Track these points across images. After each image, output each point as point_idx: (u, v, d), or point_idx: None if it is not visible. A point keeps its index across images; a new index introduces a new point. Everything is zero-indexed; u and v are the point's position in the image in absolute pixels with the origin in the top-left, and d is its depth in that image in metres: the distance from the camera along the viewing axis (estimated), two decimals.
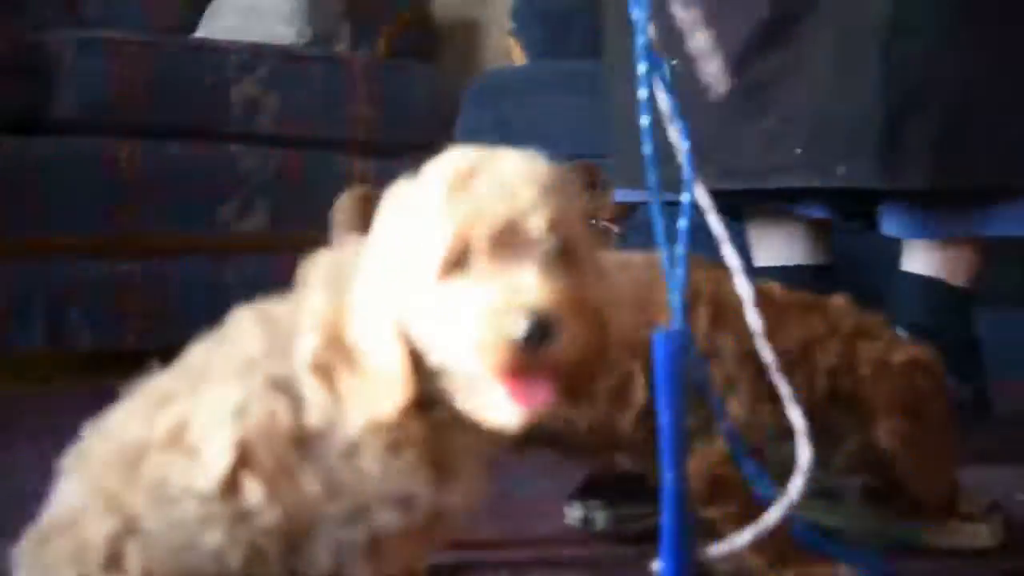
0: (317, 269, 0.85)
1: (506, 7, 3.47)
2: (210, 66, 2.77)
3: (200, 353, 0.86)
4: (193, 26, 3.34)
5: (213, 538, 0.80)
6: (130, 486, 0.82)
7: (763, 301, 1.20)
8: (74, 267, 2.56)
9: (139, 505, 0.81)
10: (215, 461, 0.79)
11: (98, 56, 2.59)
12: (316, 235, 1.15)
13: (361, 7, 3.53)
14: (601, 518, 1.43)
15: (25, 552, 0.86)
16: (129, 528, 0.82)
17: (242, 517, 0.80)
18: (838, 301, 1.33)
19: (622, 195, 2.07)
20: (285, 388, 0.80)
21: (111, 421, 0.86)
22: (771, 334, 1.17)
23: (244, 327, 0.85)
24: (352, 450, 0.81)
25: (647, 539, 1.33)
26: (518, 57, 3.37)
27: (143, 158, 2.66)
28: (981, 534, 1.40)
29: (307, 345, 0.79)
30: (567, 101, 2.93)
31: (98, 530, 0.82)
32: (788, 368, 1.18)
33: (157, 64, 2.73)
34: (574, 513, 1.45)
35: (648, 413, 1.21)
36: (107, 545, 0.82)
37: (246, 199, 2.82)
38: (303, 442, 0.81)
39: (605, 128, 1.94)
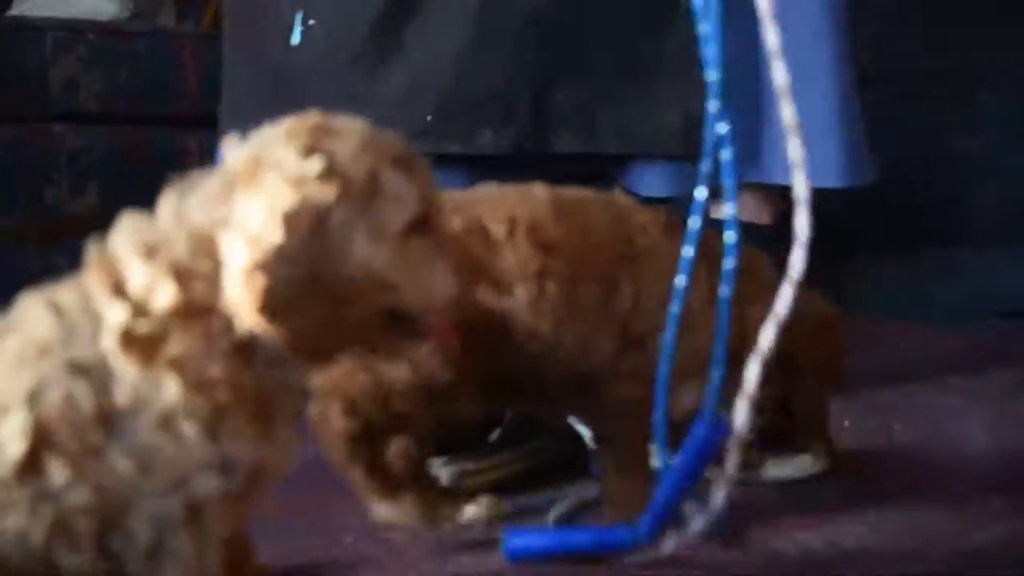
0: (127, 237, 0.86)
1: None
2: (28, 48, 2.74)
3: None
4: (7, 4, 3.29)
5: (14, 521, 0.80)
6: None
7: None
8: None
9: None
10: (10, 446, 0.79)
11: None
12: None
13: None
14: (444, 474, 1.45)
15: None
16: None
17: (45, 497, 0.80)
18: (760, 257, 1.39)
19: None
20: (84, 371, 0.80)
21: None
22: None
23: (32, 314, 0.84)
24: (169, 419, 0.81)
25: (489, 491, 1.40)
26: None
27: None
28: (811, 462, 1.46)
29: (116, 319, 0.80)
30: None
31: None
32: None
33: None
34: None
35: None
36: None
37: (75, 181, 2.80)
38: (110, 421, 0.80)
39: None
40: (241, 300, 0.80)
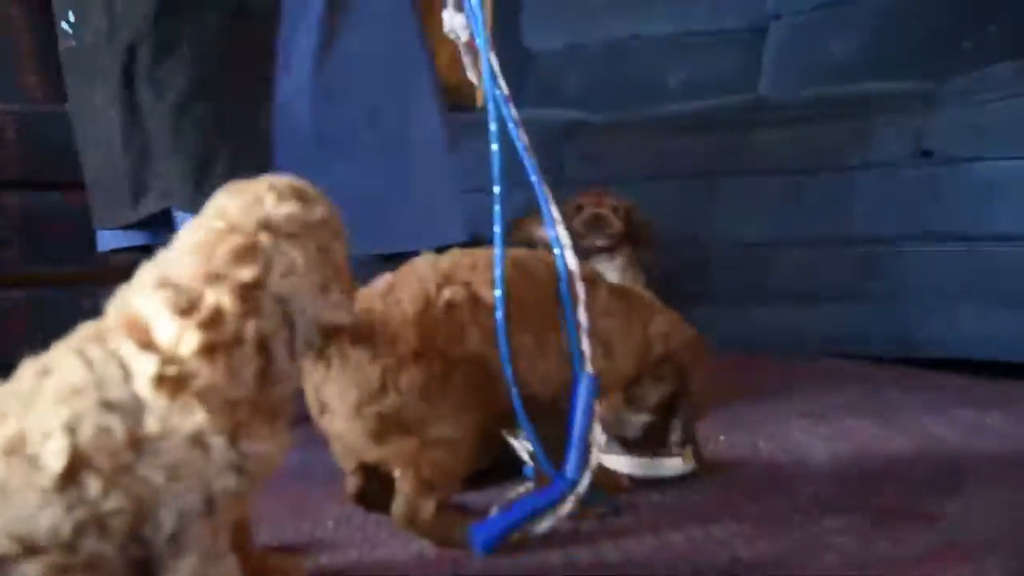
0: (151, 294, 0.92)
1: None
2: None
3: (28, 380, 0.90)
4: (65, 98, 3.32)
5: (48, 518, 0.85)
6: None
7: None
8: None
9: None
10: (51, 464, 0.84)
11: None
12: None
13: None
14: None
15: None
16: None
17: (81, 503, 0.85)
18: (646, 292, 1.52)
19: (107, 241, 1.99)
20: (116, 407, 0.86)
21: None
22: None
23: (66, 362, 0.90)
24: (198, 438, 0.87)
25: None
26: None
27: (20, 211, 2.65)
28: (681, 464, 1.50)
29: (148, 370, 0.86)
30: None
31: None
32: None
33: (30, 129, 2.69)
34: None
35: None
36: None
37: None
38: (141, 445, 0.86)
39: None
40: None
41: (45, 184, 2.57)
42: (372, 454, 1.23)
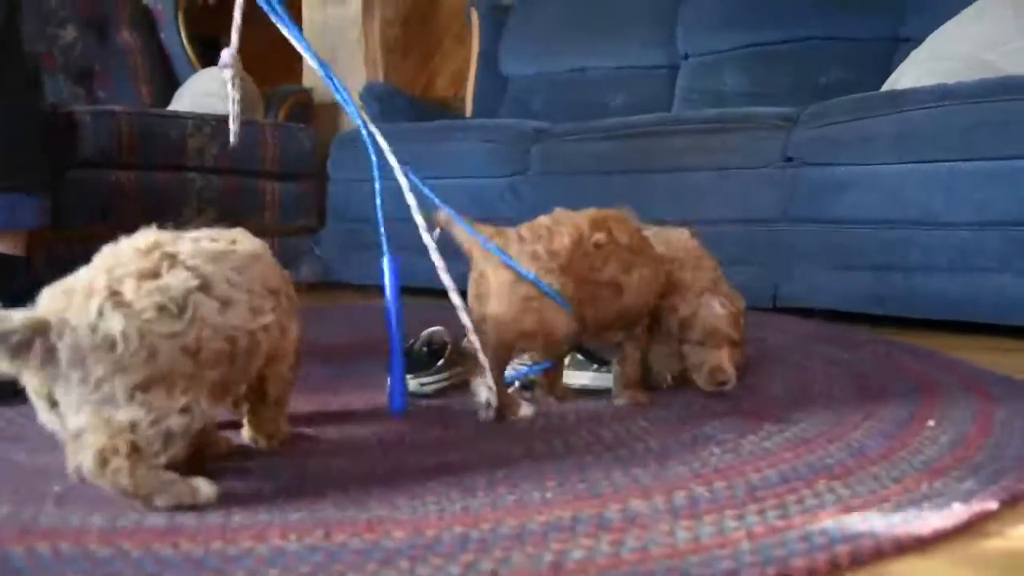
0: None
1: (357, 91, 3.52)
2: (175, 127, 2.77)
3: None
4: (167, 102, 3.31)
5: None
6: None
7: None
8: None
9: None
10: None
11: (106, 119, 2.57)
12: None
13: (268, 91, 3.54)
14: (414, 384, 1.43)
15: None
16: None
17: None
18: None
19: None
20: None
21: None
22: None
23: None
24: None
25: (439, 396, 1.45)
26: None
27: (137, 184, 2.66)
28: (602, 378, 1.48)
29: None
30: (392, 147, 3.01)
31: None
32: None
33: (143, 125, 2.71)
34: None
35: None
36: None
37: (200, 209, 2.81)
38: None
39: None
40: None
41: None
42: (515, 327, 1.27)
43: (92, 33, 3.38)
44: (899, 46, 2.87)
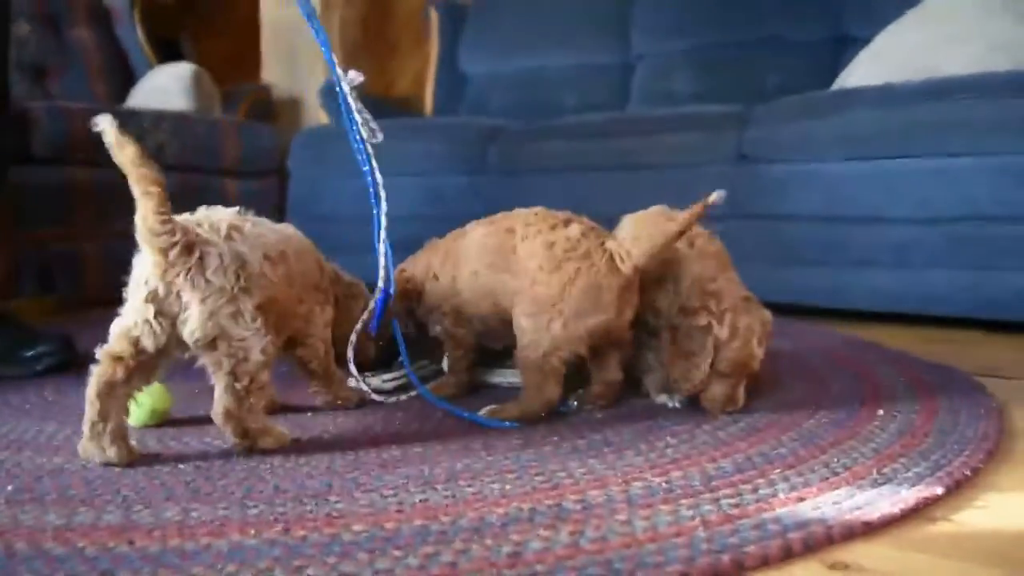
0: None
1: (316, 88, 3.48)
2: (133, 124, 2.70)
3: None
4: (123, 100, 3.23)
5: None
6: None
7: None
8: (49, 247, 2.48)
9: None
10: None
11: (61, 116, 2.50)
12: None
13: (228, 88, 3.48)
14: (376, 381, 1.43)
15: None
16: None
17: None
18: None
19: None
20: None
21: None
22: None
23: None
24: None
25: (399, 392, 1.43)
26: (324, 119, 3.39)
27: (91, 182, 2.58)
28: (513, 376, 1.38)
29: None
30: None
31: None
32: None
33: None
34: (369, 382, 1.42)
35: None
36: None
37: None
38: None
39: None
40: None
41: None
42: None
43: (46, 29, 3.29)
44: (845, 47, 2.90)
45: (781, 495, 0.92)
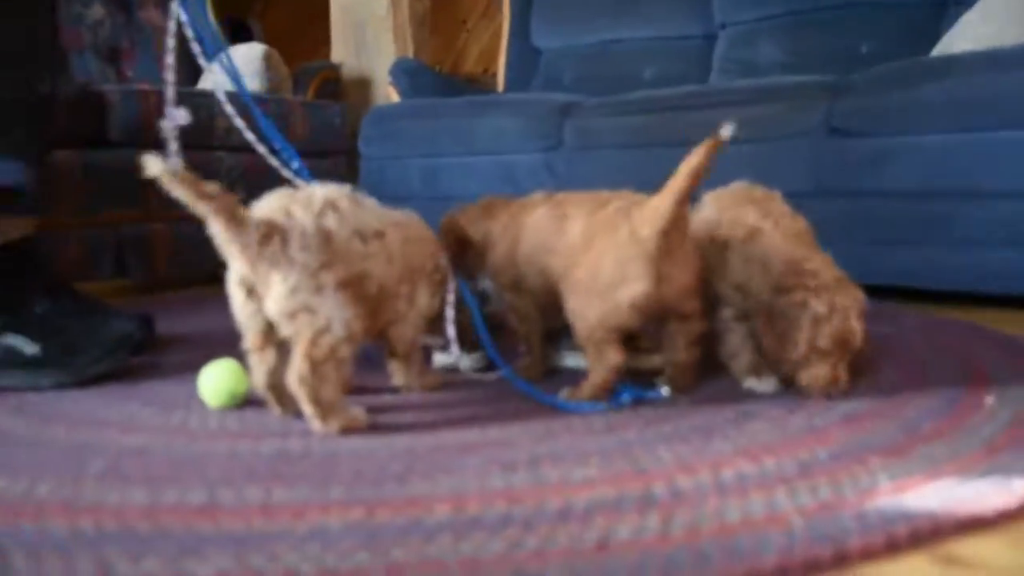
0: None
1: (386, 67, 3.51)
2: (204, 105, 2.76)
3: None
4: (194, 81, 3.31)
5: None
6: None
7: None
8: (122, 229, 2.56)
9: None
10: None
11: (134, 101, 2.57)
12: None
13: (297, 68, 3.53)
14: (466, 361, 1.46)
15: None
16: None
17: None
18: None
19: None
20: None
21: None
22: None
23: None
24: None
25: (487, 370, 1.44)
26: (394, 97, 3.42)
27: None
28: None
29: None
30: (422, 123, 3.00)
31: None
32: None
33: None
34: (443, 359, 1.48)
35: None
36: None
37: (227, 188, 2.78)
38: None
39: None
40: None
41: None
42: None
43: (119, 11, 3.39)
44: (947, 8, 2.79)
45: (882, 485, 0.90)
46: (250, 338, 1.15)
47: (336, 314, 1.09)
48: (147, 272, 2.61)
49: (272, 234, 1.07)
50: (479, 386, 1.38)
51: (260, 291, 1.11)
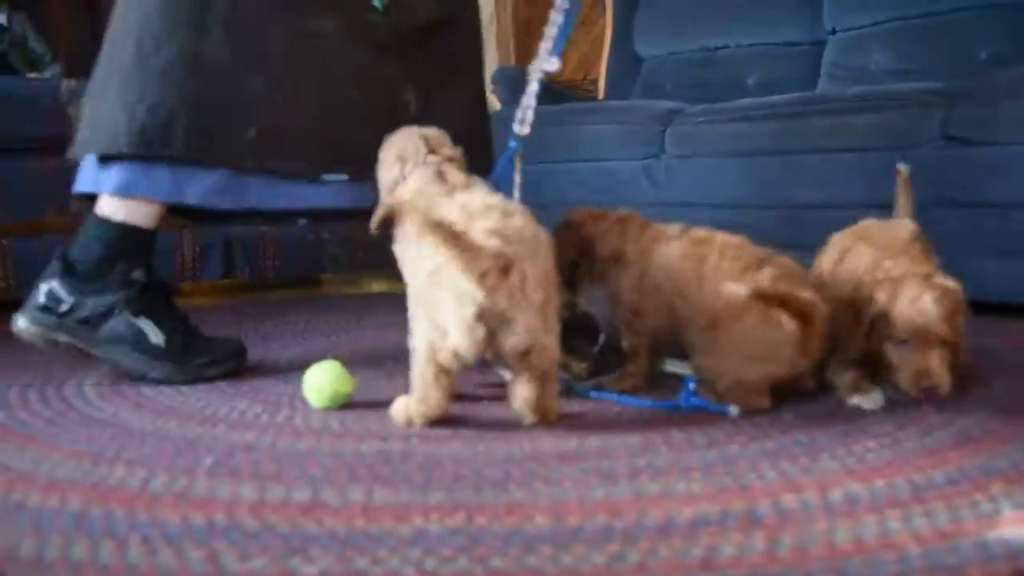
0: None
1: (488, 75, 3.53)
2: None
3: None
4: None
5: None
6: None
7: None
8: (231, 231, 2.65)
9: None
10: None
11: None
12: None
13: None
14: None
15: None
16: None
17: None
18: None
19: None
20: None
21: None
22: None
23: None
24: None
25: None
26: (495, 104, 3.44)
27: None
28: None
29: None
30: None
31: None
32: None
33: None
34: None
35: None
36: None
37: None
38: None
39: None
40: None
41: None
42: None
43: None
44: None
45: (1006, 513, 0.85)
46: (447, 360, 1.14)
47: (553, 342, 1.16)
48: (255, 272, 2.69)
49: (510, 269, 1.09)
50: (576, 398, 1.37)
51: (492, 327, 1.12)
